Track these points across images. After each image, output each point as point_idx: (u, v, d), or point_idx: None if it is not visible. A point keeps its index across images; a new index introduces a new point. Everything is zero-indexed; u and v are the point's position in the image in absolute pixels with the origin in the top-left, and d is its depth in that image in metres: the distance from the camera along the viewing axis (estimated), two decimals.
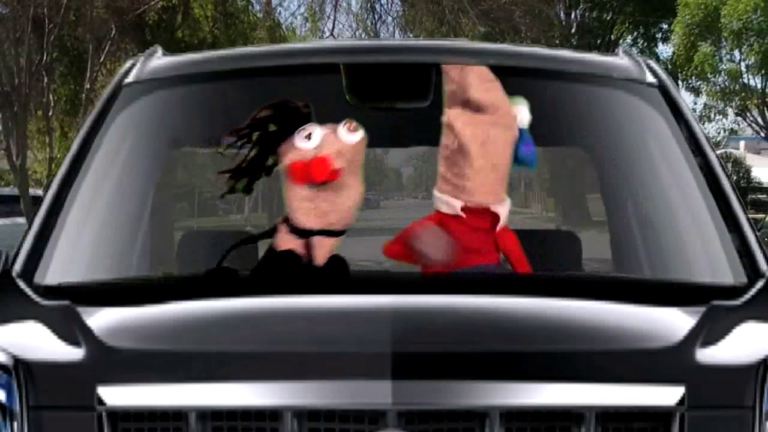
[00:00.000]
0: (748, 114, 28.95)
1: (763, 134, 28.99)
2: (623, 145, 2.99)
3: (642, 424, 1.87)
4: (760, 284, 2.46)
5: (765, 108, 28.21)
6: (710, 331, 2.06)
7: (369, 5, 28.40)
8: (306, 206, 2.45)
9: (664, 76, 2.98)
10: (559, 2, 30.27)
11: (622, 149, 2.99)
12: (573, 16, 31.83)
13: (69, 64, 25.74)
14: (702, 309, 2.16)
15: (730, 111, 29.78)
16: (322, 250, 2.46)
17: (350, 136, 2.47)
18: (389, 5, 28.03)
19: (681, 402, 1.87)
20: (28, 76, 22.70)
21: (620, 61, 3.04)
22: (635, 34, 32.23)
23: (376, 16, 28.23)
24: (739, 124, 32.23)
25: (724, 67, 27.74)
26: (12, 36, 22.82)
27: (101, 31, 23.26)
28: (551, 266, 2.66)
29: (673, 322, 2.12)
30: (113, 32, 22.85)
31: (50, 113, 23.05)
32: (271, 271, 2.47)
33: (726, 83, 27.76)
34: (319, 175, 2.41)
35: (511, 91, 2.61)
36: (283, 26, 29.26)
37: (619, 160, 3.01)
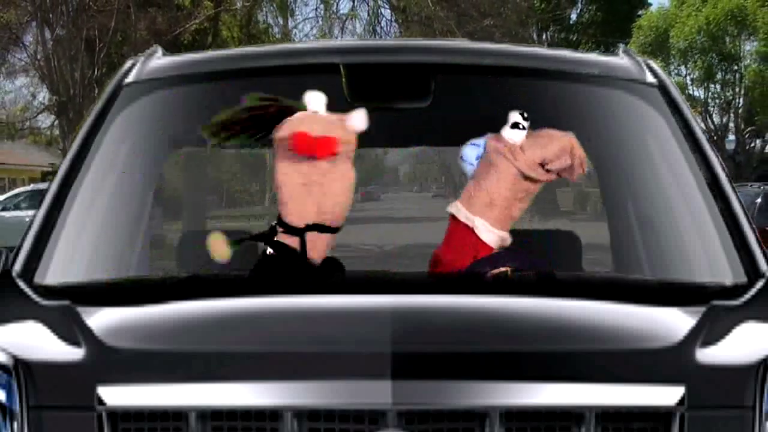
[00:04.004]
0: None
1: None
2: (623, 144, 2.62)
3: (642, 424, 1.62)
4: (760, 284, 2.13)
5: (707, 115, 28.64)
6: (710, 331, 1.78)
7: (371, 28, 28.75)
8: (299, 192, 2.09)
9: (664, 76, 2.61)
10: (532, 25, 30.47)
11: (622, 149, 2.63)
12: (544, 36, 32.09)
13: None
14: (702, 309, 1.86)
15: None
16: (317, 246, 2.12)
17: (358, 124, 2.13)
18: (388, 28, 28.50)
19: (681, 402, 1.62)
20: (81, 87, 23.02)
21: (620, 61, 2.65)
22: (596, 52, 32.48)
23: (377, 37, 28.41)
24: None
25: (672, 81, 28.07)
26: (68, 54, 23.20)
27: (143, 49, 23.37)
28: (551, 266, 2.30)
29: (673, 322, 1.82)
30: None
31: None
32: (269, 268, 2.13)
33: None
34: (322, 151, 2.08)
35: (511, 90, 2.32)
36: None
37: (619, 159, 2.65)
